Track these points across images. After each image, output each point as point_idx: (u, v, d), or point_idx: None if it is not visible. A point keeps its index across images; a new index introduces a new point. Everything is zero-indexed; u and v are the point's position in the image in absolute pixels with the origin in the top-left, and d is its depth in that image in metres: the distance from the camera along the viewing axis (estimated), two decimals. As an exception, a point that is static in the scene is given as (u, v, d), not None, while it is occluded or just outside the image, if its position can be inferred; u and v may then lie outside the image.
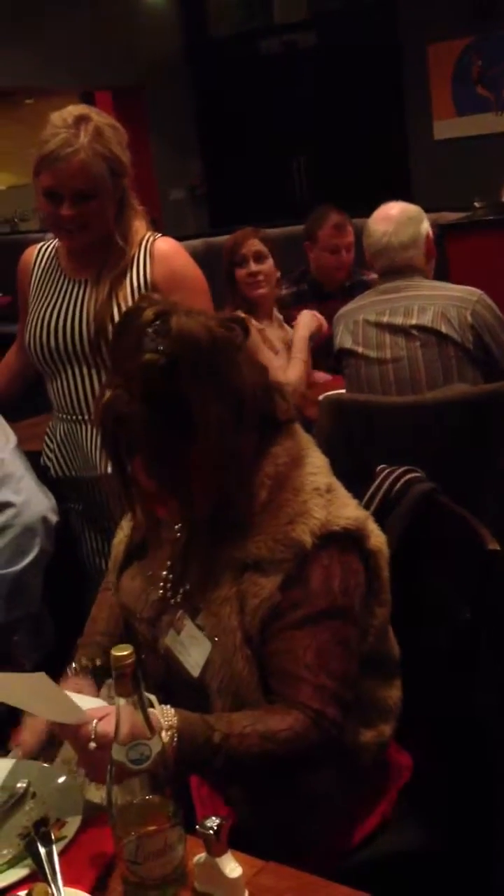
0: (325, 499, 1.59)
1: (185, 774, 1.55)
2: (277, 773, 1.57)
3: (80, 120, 2.36)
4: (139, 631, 1.75)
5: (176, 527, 1.73)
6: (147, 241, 2.51)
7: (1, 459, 2.32)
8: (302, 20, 9.84)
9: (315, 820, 1.66)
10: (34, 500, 2.31)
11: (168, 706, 1.48)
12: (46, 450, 2.66)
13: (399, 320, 3.19)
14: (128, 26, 9.55)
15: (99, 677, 1.74)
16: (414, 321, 3.16)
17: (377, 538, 1.64)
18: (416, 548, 1.86)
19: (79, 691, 1.66)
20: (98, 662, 1.74)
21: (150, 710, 1.44)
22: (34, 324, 2.56)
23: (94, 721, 1.42)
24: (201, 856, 1.32)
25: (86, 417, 2.52)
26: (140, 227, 2.51)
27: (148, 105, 9.96)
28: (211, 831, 1.29)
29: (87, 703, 1.53)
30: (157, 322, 1.49)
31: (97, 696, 1.69)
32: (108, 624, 1.85)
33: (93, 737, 1.41)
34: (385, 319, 3.23)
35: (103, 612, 1.88)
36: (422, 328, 3.15)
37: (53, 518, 2.34)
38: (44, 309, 2.55)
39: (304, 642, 1.54)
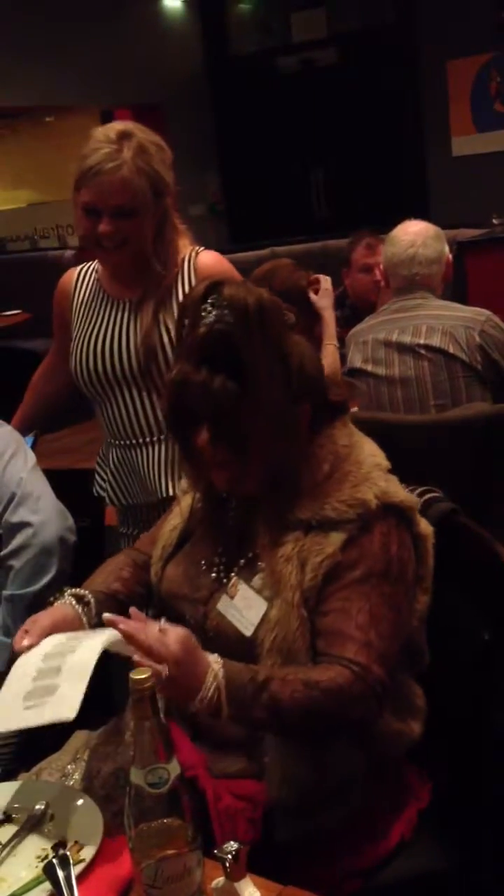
0: (384, 475, 1.71)
1: (234, 718, 1.56)
2: (320, 727, 1.60)
3: (124, 136, 2.30)
4: (187, 612, 1.78)
5: (231, 513, 1.80)
6: (190, 256, 2.47)
7: (20, 479, 2.32)
8: (320, 38, 9.88)
9: (338, 815, 1.65)
10: (52, 521, 2.31)
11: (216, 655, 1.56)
12: (99, 479, 2.62)
13: (407, 339, 3.19)
14: (148, 44, 9.60)
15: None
16: (422, 340, 3.16)
17: (426, 525, 1.74)
18: (434, 567, 1.85)
19: (63, 618, 1.73)
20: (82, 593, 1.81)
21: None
22: (80, 349, 2.50)
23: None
24: (219, 880, 1.31)
25: (140, 441, 2.49)
26: (184, 245, 2.48)
27: (167, 122, 9.99)
28: (230, 856, 1.29)
29: (97, 637, 1.61)
30: (213, 296, 1.63)
31: (84, 624, 1.75)
32: (108, 577, 1.91)
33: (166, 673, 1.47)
34: (394, 338, 3.23)
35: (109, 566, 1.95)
36: (429, 347, 3.15)
37: (71, 538, 2.34)
38: (89, 333, 2.49)
39: (358, 604, 1.60)
